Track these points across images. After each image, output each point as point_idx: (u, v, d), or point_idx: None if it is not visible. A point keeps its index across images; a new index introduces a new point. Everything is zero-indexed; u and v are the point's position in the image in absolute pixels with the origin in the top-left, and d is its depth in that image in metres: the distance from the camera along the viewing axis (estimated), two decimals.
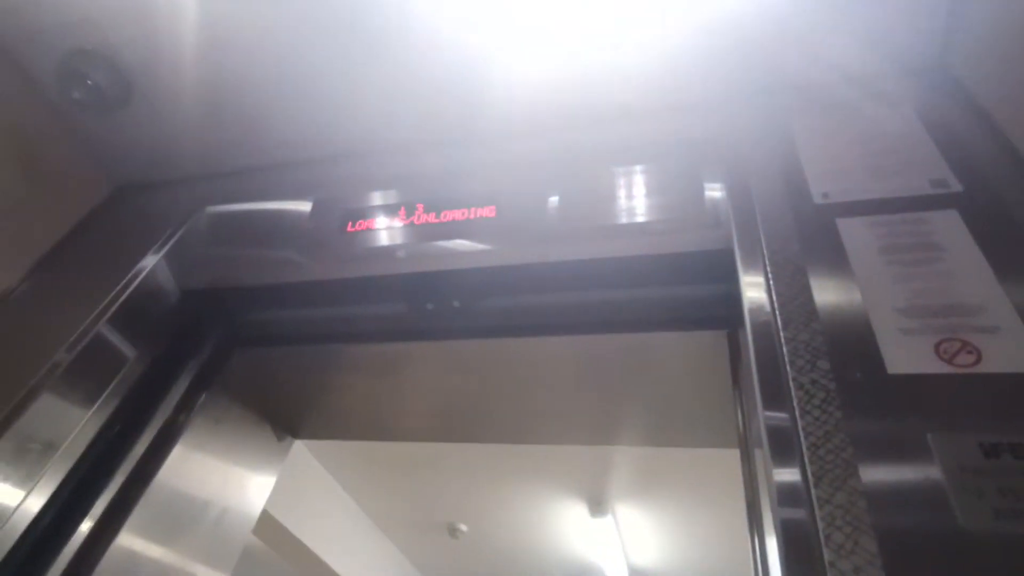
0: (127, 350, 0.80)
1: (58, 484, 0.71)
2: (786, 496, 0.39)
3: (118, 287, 0.81)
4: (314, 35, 0.81)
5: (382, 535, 2.95)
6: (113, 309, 0.78)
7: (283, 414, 1.11)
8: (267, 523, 2.10)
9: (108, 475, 0.78)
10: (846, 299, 0.48)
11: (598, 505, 2.38)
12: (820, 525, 0.35)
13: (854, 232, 0.53)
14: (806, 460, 0.38)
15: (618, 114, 0.79)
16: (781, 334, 0.47)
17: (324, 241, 0.82)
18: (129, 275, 0.83)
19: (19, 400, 0.67)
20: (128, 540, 0.78)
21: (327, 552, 2.49)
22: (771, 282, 0.52)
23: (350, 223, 0.82)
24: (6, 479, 0.65)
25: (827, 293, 0.49)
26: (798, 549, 0.37)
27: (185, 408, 0.89)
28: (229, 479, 1.01)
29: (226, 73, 0.86)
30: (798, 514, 0.38)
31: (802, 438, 0.40)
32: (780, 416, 0.43)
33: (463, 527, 2.74)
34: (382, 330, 0.90)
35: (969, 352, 0.41)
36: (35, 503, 0.68)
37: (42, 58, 0.89)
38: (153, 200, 1.02)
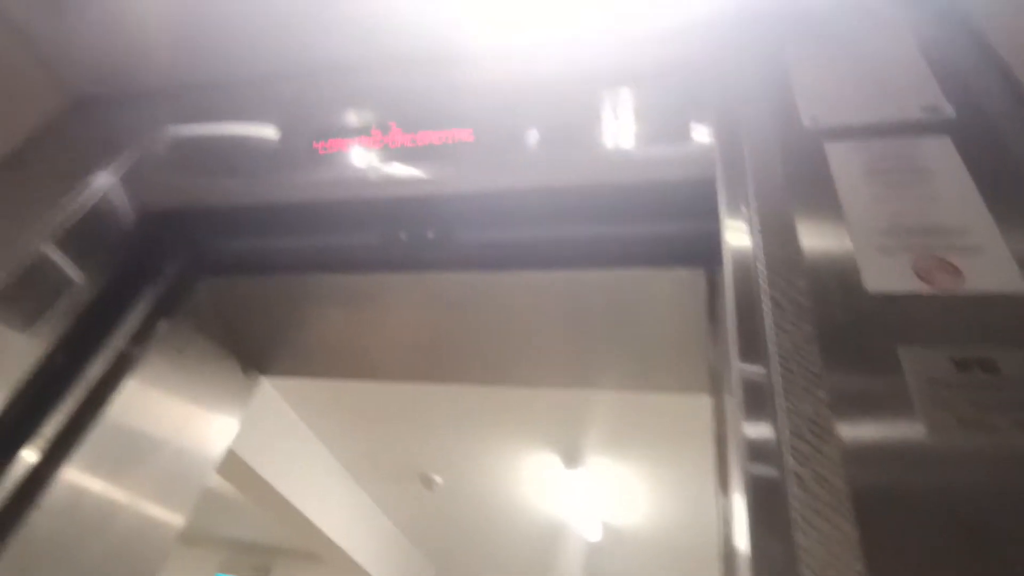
0: (74, 273, 0.76)
1: None
2: (753, 407, 0.38)
3: (68, 206, 0.76)
4: None
5: (355, 484, 2.97)
6: (59, 229, 0.74)
7: (250, 348, 1.08)
8: (238, 467, 2.10)
9: (52, 405, 0.74)
10: (829, 221, 0.46)
11: (572, 457, 2.41)
12: (785, 434, 0.34)
13: (841, 156, 0.51)
14: (772, 371, 0.37)
15: (604, 36, 0.75)
16: (761, 252, 0.45)
17: (292, 162, 0.79)
18: (79, 193, 0.78)
19: None
20: (74, 475, 0.74)
21: (301, 500, 2.51)
22: (752, 205, 0.50)
23: (320, 143, 0.78)
24: None
25: (809, 215, 0.47)
26: (764, 468, 0.36)
27: (143, 338, 0.85)
28: (190, 415, 0.98)
29: None
30: (764, 429, 0.37)
31: (772, 351, 0.38)
32: (752, 331, 0.42)
33: (438, 479, 2.77)
34: (354, 260, 0.87)
35: (948, 271, 0.40)
36: None
37: None
38: (111, 115, 0.96)
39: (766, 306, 0.40)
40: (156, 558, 0.91)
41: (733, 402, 0.44)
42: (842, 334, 0.38)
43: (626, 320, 0.82)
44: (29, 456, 0.70)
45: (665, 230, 0.73)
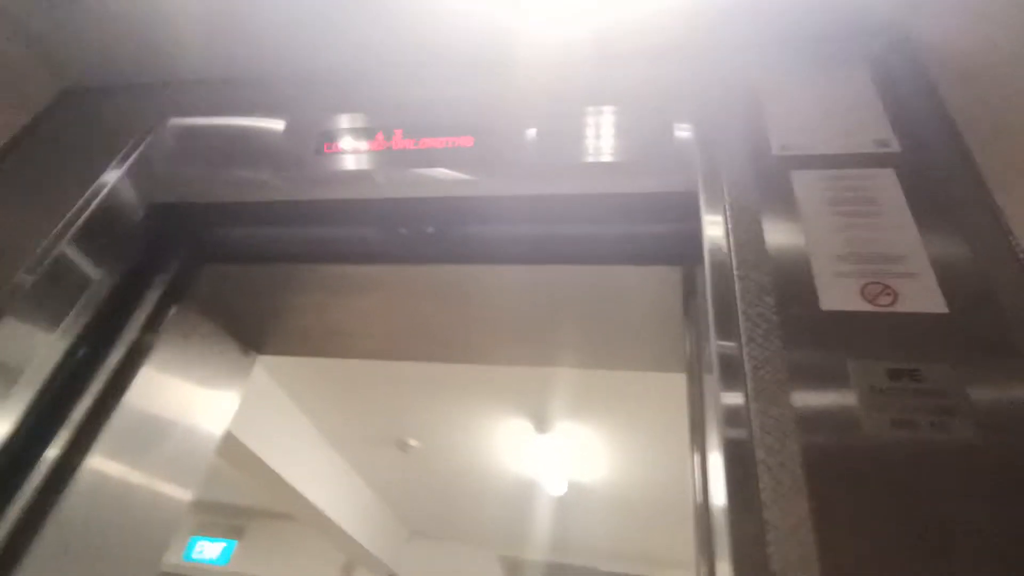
0: (91, 270, 0.79)
1: (25, 409, 0.72)
2: (731, 412, 0.47)
3: (79, 203, 0.79)
4: None
5: (331, 448, 3.05)
6: (75, 227, 0.76)
7: (249, 330, 1.12)
8: (224, 438, 2.14)
9: (76, 398, 0.78)
10: (793, 244, 0.55)
11: (542, 422, 2.54)
12: (755, 432, 0.43)
13: (805, 184, 0.59)
14: (748, 380, 0.46)
15: (595, 55, 0.81)
16: (735, 272, 0.53)
17: (298, 162, 0.82)
18: (90, 190, 0.80)
19: None
20: (97, 462, 0.79)
21: (278, 463, 2.58)
22: (729, 225, 0.58)
23: (326, 144, 0.82)
24: None
25: (777, 238, 0.56)
26: (739, 457, 0.45)
27: (152, 326, 0.89)
28: (195, 396, 1.03)
29: None
30: (739, 429, 0.46)
31: (746, 362, 0.47)
32: (729, 344, 0.50)
33: (413, 442, 2.88)
34: (353, 252, 0.92)
35: (888, 294, 0.49)
36: (4, 426, 0.69)
37: None
38: (106, 106, 0.97)
39: (742, 324, 0.49)
40: (168, 531, 0.98)
41: (713, 379, 0.53)
42: (802, 345, 0.47)
43: (610, 310, 0.90)
44: (59, 446, 0.75)
45: (645, 232, 0.81)
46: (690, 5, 0.76)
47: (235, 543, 4.45)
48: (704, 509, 0.59)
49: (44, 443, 0.74)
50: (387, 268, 0.93)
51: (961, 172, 0.59)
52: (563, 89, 0.79)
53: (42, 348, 0.73)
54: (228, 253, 0.97)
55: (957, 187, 0.57)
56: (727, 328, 0.51)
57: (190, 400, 1.00)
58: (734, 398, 0.46)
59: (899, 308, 0.48)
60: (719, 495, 0.46)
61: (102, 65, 0.96)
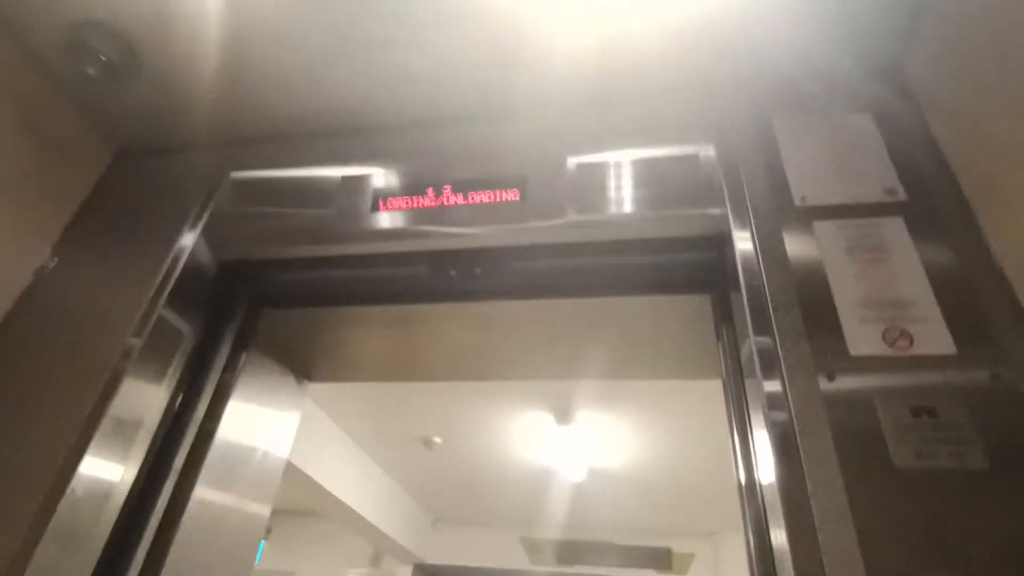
0: (182, 326, 0.88)
1: (144, 455, 0.81)
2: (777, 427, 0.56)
3: (165, 267, 0.87)
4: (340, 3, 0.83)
5: (361, 451, 3.16)
6: (168, 290, 0.85)
7: (304, 362, 1.21)
8: None
9: (180, 440, 0.88)
10: (820, 291, 0.64)
11: (563, 415, 2.65)
12: (805, 467, 0.52)
13: (826, 234, 0.68)
14: (794, 418, 0.55)
15: (629, 96, 0.88)
16: (773, 321, 0.62)
17: (354, 219, 0.90)
18: (172, 253, 0.89)
19: (105, 387, 0.76)
20: (201, 492, 0.89)
21: (313, 469, 2.69)
22: (764, 275, 0.67)
23: (379, 201, 0.90)
24: (108, 458, 0.75)
25: (806, 284, 0.64)
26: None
27: (230, 369, 0.98)
28: (267, 425, 1.12)
29: (241, 45, 0.88)
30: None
31: (791, 404, 0.56)
32: (775, 384, 0.59)
33: (437, 439, 2.99)
34: (405, 292, 1.00)
35: (905, 338, 0.58)
36: (130, 475, 0.79)
37: (45, 29, 0.88)
38: (162, 167, 1.04)
39: (785, 372, 0.58)
40: (255, 541, 1.09)
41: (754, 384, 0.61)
42: (837, 389, 0.57)
43: (645, 331, 0.99)
44: (171, 483, 0.84)
45: (678, 264, 0.89)
46: (711, 50, 0.83)
47: (263, 542, 4.59)
48: (750, 486, 0.67)
49: (160, 482, 0.83)
50: (436, 306, 1.01)
51: (957, 213, 0.67)
52: (599, 133, 0.87)
53: (152, 401, 0.82)
54: (287, 298, 1.05)
55: (955, 226, 0.66)
56: (773, 371, 0.60)
57: (263, 428, 1.10)
58: (773, 386, 0.56)
59: (915, 351, 0.57)
60: (766, 477, 0.56)
61: (157, 130, 1.03)
